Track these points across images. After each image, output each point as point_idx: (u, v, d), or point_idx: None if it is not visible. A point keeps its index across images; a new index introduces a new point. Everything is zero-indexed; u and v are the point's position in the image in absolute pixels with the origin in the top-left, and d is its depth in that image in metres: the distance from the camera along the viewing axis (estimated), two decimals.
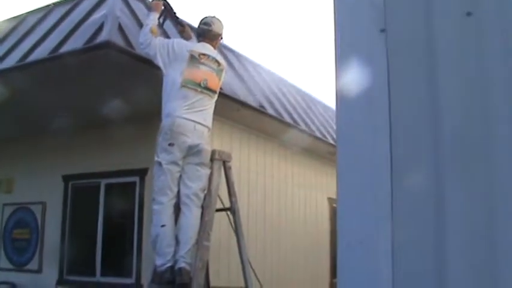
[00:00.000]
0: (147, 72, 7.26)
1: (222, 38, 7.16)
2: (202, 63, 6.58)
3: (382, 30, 3.19)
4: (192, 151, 6.32)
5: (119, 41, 7.32)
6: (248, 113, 9.80)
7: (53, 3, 9.18)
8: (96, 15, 7.86)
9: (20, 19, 9.51)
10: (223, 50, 10.32)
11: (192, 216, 6.15)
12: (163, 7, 7.18)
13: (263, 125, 10.68)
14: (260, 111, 10.05)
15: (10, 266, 11.40)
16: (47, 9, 9.12)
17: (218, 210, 6.51)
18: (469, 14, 2.97)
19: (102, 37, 7.26)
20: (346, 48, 3.37)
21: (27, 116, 9.94)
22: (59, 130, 10.09)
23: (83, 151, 10.35)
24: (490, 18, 2.93)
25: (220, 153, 6.54)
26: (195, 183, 6.27)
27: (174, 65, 6.47)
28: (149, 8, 7.37)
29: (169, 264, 6.01)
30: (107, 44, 7.21)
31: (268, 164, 11.48)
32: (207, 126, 6.50)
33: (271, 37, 40.82)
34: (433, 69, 3.02)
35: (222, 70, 6.86)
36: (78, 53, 7.43)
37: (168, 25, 7.85)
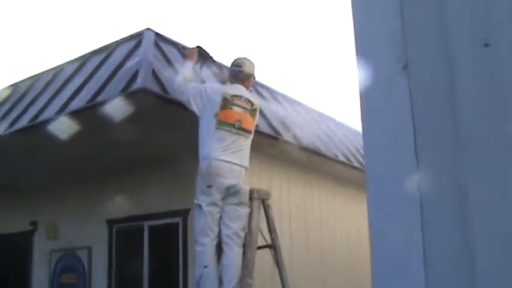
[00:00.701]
0: (182, 116, 7.40)
1: (254, 78, 7.28)
2: (235, 105, 6.68)
3: (404, 67, 3.26)
4: (230, 191, 6.42)
5: (154, 87, 7.50)
6: (284, 147, 9.87)
7: (89, 53, 9.39)
8: (131, 62, 8.05)
9: (58, 69, 9.75)
10: (258, 88, 10.47)
11: (234, 255, 6.24)
12: (198, 54, 7.34)
13: (300, 158, 10.74)
14: (297, 145, 10.11)
15: None
16: (83, 59, 9.34)
17: (260, 247, 6.59)
18: (486, 45, 3.04)
19: (138, 84, 7.45)
20: (369, 85, 3.44)
21: (69, 163, 10.15)
22: (101, 175, 10.30)
23: (125, 195, 10.46)
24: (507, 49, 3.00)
25: (258, 192, 6.64)
26: (235, 223, 6.36)
27: (208, 108, 6.60)
28: (184, 56, 7.55)
29: None
30: (143, 91, 7.39)
31: (308, 196, 11.52)
32: (243, 167, 6.61)
33: (300, 69, 40.92)
34: (453, 102, 3.09)
35: (255, 110, 6.95)
36: (114, 101, 7.63)
37: (205, 70, 8.00)
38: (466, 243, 2.85)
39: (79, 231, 11.42)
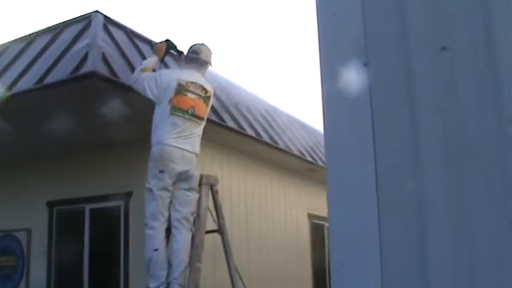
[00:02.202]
0: (131, 100, 7.44)
1: (210, 65, 7.32)
2: (190, 91, 6.75)
3: (365, 64, 3.39)
4: (182, 177, 6.52)
5: (103, 70, 7.51)
6: (227, 133, 9.99)
7: (35, 32, 9.31)
8: (79, 45, 8.03)
9: (2, 48, 9.64)
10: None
11: (183, 239, 6.32)
12: (166, 48, 7.36)
13: (242, 145, 10.87)
14: (239, 132, 10.23)
15: None
16: (29, 39, 9.25)
17: (208, 232, 6.68)
18: (443, 48, 3.19)
19: (87, 67, 7.45)
20: (331, 80, 3.56)
21: (10, 142, 10.04)
22: (43, 156, 10.24)
23: (67, 176, 10.45)
24: (463, 52, 3.15)
25: (207, 178, 6.74)
26: (185, 207, 6.46)
27: (163, 94, 6.65)
28: (153, 50, 7.61)
29: (163, 287, 6.17)
30: (92, 74, 7.40)
31: (249, 183, 11.64)
32: (194, 153, 6.71)
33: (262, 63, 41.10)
34: (412, 102, 3.23)
35: (209, 97, 7.04)
36: (63, 84, 7.62)
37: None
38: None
39: (18, 212, 11.28)
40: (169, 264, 6.29)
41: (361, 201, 3.28)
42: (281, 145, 11.79)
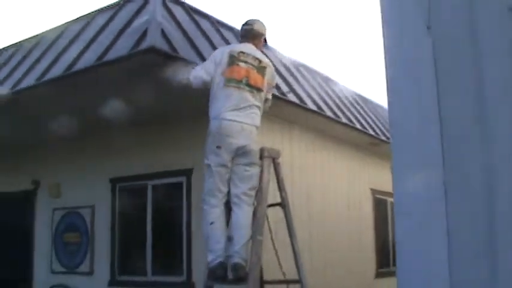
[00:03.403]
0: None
1: (265, 40, 7.21)
2: (242, 61, 6.62)
3: (429, 27, 3.29)
4: (240, 152, 6.36)
5: (163, 46, 7.51)
6: (288, 107, 9.94)
7: (95, 11, 9.36)
8: (139, 22, 8.04)
9: (63, 28, 9.72)
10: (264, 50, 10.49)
11: (243, 214, 6.23)
12: None
13: (304, 119, 10.79)
14: (300, 106, 10.16)
15: (62, 269, 11.69)
16: (90, 17, 9.31)
17: (270, 205, 6.60)
18: (510, 9, 3.07)
19: (147, 43, 7.46)
20: (394, 44, 3.47)
21: (74, 120, 10.14)
22: (105, 133, 10.32)
23: (129, 153, 10.56)
24: None
25: (269, 151, 6.59)
26: (245, 183, 6.35)
27: (218, 68, 6.56)
28: None
29: (219, 260, 6.10)
30: (152, 50, 7.40)
31: (310, 158, 11.58)
32: (254, 125, 6.51)
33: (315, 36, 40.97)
34: (477, 63, 3.12)
35: (264, 67, 6.82)
36: (123, 60, 7.65)
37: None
38: None
39: (82, 189, 11.47)
40: (230, 239, 6.22)
41: (426, 173, 3.21)
42: (343, 119, 11.69)
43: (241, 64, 6.62)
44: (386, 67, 3.45)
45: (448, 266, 2.98)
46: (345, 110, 12.26)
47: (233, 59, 6.60)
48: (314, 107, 10.65)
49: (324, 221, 11.64)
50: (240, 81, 6.52)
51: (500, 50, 3.09)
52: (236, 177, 6.40)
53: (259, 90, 6.67)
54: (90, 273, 11.22)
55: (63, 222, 11.88)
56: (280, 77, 10.04)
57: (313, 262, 10.53)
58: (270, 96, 6.99)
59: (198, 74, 6.70)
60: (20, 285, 12.31)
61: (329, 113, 11.18)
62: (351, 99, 13.54)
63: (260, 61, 6.82)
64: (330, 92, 12.42)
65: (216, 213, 6.37)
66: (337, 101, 12.34)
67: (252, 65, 6.69)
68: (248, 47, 6.85)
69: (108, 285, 10.78)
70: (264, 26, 7.10)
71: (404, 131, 3.37)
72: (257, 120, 6.57)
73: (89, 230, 11.36)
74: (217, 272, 6.13)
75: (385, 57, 3.46)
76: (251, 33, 7.00)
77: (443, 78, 3.22)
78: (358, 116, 12.83)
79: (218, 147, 6.33)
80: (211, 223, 6.32)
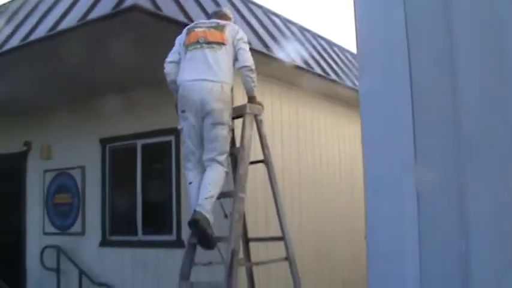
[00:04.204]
0: (175, 34, 7.36)
1: (230, 19, 6.98)
2: (198, 27, 6.58)
3: None
4: (205, 111, 6.18)
5: (146, 4, 7.45)
6: (276, 65, 9.88)
7: None
8: None
9: None
10: (252, 6, 10.43)
11: (211, 173, 6.01)
12: None
13: (293, 77, 10.74)
14: (290, 63, 10.11)
15: (54, 230, 11.80)
16: None
17: (252, 162, 6.55)
18: None
19: (129, 1, 7.39)
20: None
21: (60, 83, 10.13)
22: (94, 95, 10.31)
23: (118, 114, 10.56)
24: None
25: (251, 107, 6.51)
26: (213, 144, 6.24)
27: (181, 46, 6.49)
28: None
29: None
30: (134, 8, 7.34)
31: (300, 115, 11.54)
32: (219, 82, 6.23)
33: None
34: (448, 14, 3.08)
35: (223, 26, 6.59)
36: (105, 19, 7.59)
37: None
38: None
39: (72, 150, 11.53)
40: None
41: (397, 120, 3.19)
42: (332, 76, 11.64)
43: (197, 29, 6.54)
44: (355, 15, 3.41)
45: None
46: (334, 66, 12.19)
47: (189, 30, 6.55)
48: (302, 64, 10.59)
49: (314, 178, 11.66)
50: (196, 42, 6.40)
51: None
52: (205, 139, 6.29)
53: (220, 44, 6.42)
54: (81, 233, 11.34)
55: (54, 184, 11.95)
56: (267, 33, 10.00)
57: (303, 219, 10.62)
58: (244, 47, 6.56)
59: (165, 64, 6.64)
60: (13, 247, 12.40)
61: (317, 70, 11.13)
62: (340, 54, 13.47)
63: (218, 23, 6.67)
64: (319, 48, 12.35)
65: (192, 174, 6.35)
66: (326, 57, 12.27)
67: (208, 27, 6.58)
68: (206, 20, 6.82)
69: (99, 245, 10.89)
70: (230, 12, 7.06)
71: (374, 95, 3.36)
72: (223, 76, 6.29)
73: (80, 191, 11.42)
74: (191, 227, 6.13)
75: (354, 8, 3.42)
76: (217, 14, 6.95)
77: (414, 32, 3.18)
78: (347, 72, 12.76)
79: (183, 111, 6.27)
80: (190, 183, 6.33)
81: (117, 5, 7.52)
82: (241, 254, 6.47)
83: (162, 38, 7.83)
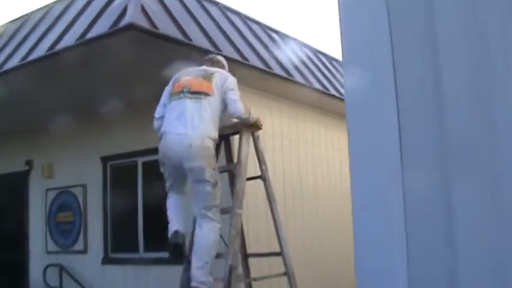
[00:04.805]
0: (173, 51, 7.42)
1: (224, 67, 6.73)
2: (185, 75, 6.36)
3: None
4: (184, 169, 5.92)
5: (143, 22, 7.49)
6: (276, 81, 9.91)
7: None
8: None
9: (48, 8, 9.70)
10: (248, 21, 10.47)
11: (201, 235, 5.89)
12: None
13: (292, 92, 10.76)
14: (288, 79, 10.14)
15: (57, 249, 11.81)
16: None
17: (249, 178, 6.53)
18: None
19: (126, 20, 7.44)
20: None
21: (61, 101, 10.19)
22: (95, 113, 10.35)
23: (119, 132, 10.60)
24: None
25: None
26: (198, 202, 5.94)
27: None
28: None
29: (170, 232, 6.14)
30: (131, 26, 7.39)
31: (301, 130, 11.56)
32: (198, 135, 5.87)
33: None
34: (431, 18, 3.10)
35: (211, 74, 6.28)
36: (104, 38, 7.65)
37: None
38: None
39: (74, 169, 11.57)
40: (190, 261, 5.96)
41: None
42: (332, 91, 11.66)
43: (182, 79, 6.28)
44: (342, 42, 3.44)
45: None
46: (333, 81, 12.21)
47: (176, 79, 6.33)
48: (301, 79, 10.63)
49: (315, 191, 11.67)
50: (180, 92, 6.10)
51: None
52: (192, 196, 6.05)
53: (206, 94, 6.08)
54: (84, 251, 11.34)
55: (56, 202, 11.98)
56: (265, 50, 10.04)
57: (304, 232, 10.62)
58: (233, 96, 6.16)
59: (154, 120, 6.48)
60: (16, 266, 12.41)
61: (317, 85, 11.16)
62: (341, 70, 13.47)
63: (206, 71, 6.38)
64: (318, 63, 12.37)
65: (170, 201, 6.30)
66: (325, 72, 12.29)
67: (195, 75, 6.31)
68: (196, 68, 6.53)
69: (101, 263, 10.89)
70: (224, 60, 6.86)
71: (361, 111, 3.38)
72: (204, 127, 5.96)
73: (82, 209, 11.45)
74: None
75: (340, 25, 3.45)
76: (210, 60, 6.72)
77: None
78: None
79: (162, 164, 6.14)
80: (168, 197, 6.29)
81: (115, 23, 7.58)
82: (240, 270, 6.48)
83: (160, 56, 7.91)
